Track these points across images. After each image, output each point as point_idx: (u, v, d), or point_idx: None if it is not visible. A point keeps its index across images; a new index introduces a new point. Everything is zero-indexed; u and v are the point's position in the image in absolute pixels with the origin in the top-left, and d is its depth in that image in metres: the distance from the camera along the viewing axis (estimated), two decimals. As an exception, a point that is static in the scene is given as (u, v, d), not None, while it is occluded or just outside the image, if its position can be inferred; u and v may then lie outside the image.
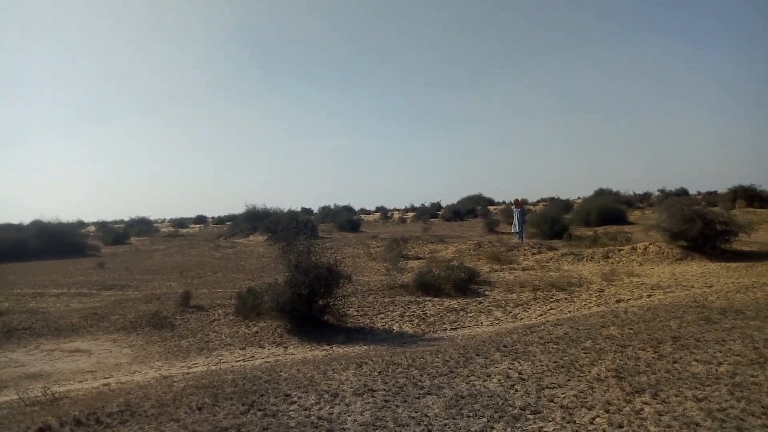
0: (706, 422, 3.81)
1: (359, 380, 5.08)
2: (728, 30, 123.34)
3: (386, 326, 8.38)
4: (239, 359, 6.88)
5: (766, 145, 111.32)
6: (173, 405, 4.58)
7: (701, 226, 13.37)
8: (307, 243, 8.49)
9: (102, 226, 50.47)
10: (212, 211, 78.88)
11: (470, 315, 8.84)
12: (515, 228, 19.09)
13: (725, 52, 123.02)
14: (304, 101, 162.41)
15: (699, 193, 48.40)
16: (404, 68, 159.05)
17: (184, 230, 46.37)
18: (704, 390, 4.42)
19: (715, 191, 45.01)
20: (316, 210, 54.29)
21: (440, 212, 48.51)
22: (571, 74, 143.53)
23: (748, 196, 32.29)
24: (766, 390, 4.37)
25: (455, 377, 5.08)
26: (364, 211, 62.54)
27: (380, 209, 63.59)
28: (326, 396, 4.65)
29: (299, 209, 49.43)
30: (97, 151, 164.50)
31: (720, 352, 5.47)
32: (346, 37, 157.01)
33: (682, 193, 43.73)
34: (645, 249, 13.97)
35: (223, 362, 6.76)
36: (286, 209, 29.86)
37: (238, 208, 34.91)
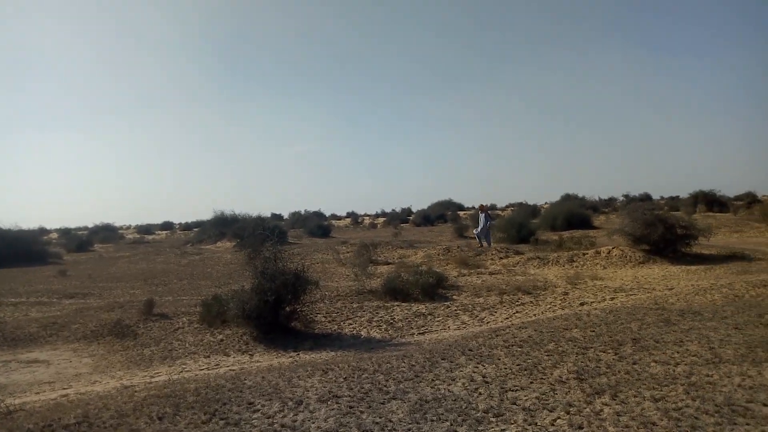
0: (663, 421, 3.90)
1: (324, 387, 5.05)
2: (691, 36, 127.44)
3: (354, 332, 8.36)
4: (203, 368, 6.77)
5: (727, 150, 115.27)
6: (133, 415, 4.48)
7: (662, 231, 13.75)
8: (274, 249, 8.42)
9: (65, 232, 49.07)
10: (180, 218, 77.73)
11: (438, 319, 8.88)
12: (480, 233, 19.22)
13: (689, 59, 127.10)
14: (274, 106, 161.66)
15: (662, 198, 49.80)
16: (375, 74, 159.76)
17: (150, 237, 45.51)
18: (662, 390, 4.53)
19: (678, 196, 46.39)
20: (286, 216, 53.92)
21: (411, 217, 48.74)
22: (540, 82, 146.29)
23: (708, 201, 33.58)
24: (720, 389, 4.50)
25: (420, 381, 5.09)
26: (335, 217, 62.51)
27: (351, 215, 63.57)
28: (290, 403, 4.61)
29: (269, 215, 49.05)
30: (60, 157, 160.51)
31: (678, 352, 5.62)
32: (316, 43, 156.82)
33: (646, 198, 44.93)
34: (608, 253, 14.28)
35: (187, 371, 6.64)
36: (255, 215, 29.50)
37: (207, 214, 34.44)
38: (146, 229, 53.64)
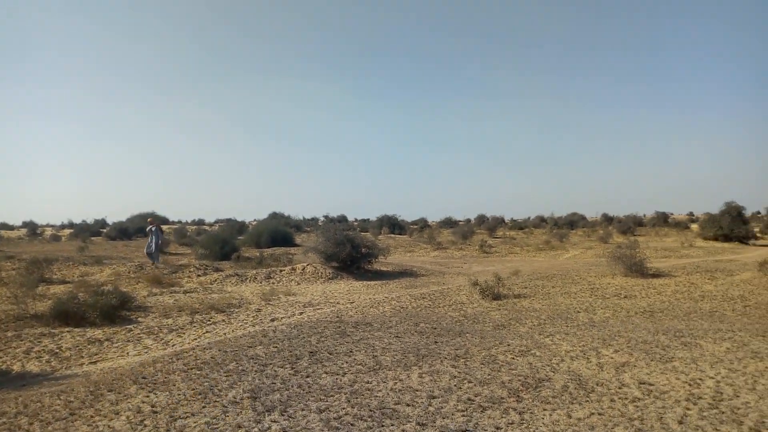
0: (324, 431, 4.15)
1: (-62, 442, 4.02)
2: (365, 62, 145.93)
3: (4, 367, 6.94)
4: None
5: (408, 182, 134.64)
6: None
7: (350, 249, 15.15)
8: None
9: None
10: None
11: (116, 345, 8.02)
12: (150, 248, 18.21)
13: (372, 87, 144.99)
14: None
15: (356, 219, 55.29)
16: (80, 70, 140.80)
17: None
18: (327, 400, 4.85)
19: (368, 219, 52.11)
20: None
21: (105, 230, 43.87)
22: (248, 102, 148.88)
23: (391, 224, 38.86)
24: (376, 394, 5.04)
25: (76, 420, 4.45)
26: (5, 226, 52.42)
27: (28, 224, 54.02)
28: None
29: None
30: None
31: (347, 362, 6.13)
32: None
33: (343, 219, 49.31)
34: (303, 269, 15.08)
35: None
36: None
37: None
38: None
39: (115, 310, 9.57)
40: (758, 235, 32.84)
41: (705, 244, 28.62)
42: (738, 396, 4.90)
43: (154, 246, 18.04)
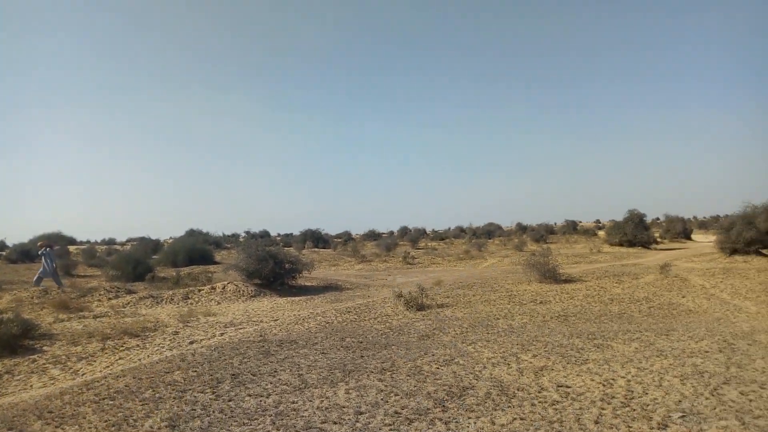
0: (247, 456, 4.01)
1: None
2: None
3: None
4: None
5: (330, 195, 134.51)
6: None
7: (272, 265, 14.86)
8: None
9: None
10: None
11: (18, 378, 7.39)
12: (46, 272, 16.92)
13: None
14: None
15: (279, 235, 54.45)
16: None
17: None
18: (251, 424, 4.69)
19: (291, 233, 51.50)
20: None
21: (4, 253, 40.54)
22: (162, 114, 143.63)
23: (314, 238, 38.59)
24: (302, 414, 4.94)
25: (-31, 465, 4.05)
26: None
27: None
28: None
29: None
30: None
31: (271, 383, 5.98)
32: None
33: (265, 234, 48.38)
34: (224, 288, 14.61)
35: None
36: None
37: None
38: None
39: (17, 340, 8.84)
40: (658, 240, 35.35)
41: (612, 249, 30.49)
42: (647, 393, 5.23)
43: (49, 269, 16.79)
